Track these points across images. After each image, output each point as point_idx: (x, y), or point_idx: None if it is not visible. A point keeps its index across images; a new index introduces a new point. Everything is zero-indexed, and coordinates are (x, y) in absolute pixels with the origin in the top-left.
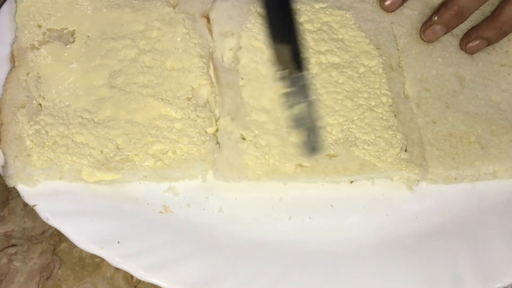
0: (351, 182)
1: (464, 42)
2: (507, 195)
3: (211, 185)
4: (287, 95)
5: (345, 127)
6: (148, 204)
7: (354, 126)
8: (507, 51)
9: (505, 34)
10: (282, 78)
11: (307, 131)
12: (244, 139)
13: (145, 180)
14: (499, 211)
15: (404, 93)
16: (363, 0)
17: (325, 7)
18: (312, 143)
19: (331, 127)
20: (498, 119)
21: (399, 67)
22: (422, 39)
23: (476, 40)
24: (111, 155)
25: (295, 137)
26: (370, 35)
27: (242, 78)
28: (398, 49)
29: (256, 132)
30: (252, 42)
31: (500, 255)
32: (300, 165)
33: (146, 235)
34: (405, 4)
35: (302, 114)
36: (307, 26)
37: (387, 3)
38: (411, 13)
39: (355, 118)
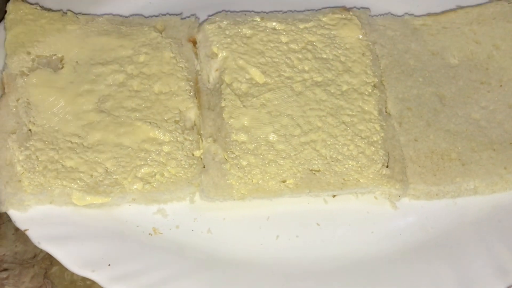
0: (334, 196)
1: None
2: (488, 211)
3: (200, 206)
4: None
5: (328, 143)
6: (137, 226)
7: (337, 142)
8: (487, 69)
9: None
10: None
11: None
12: (226, 159)
13: (134, 203)
14: (480, 227)
15: (386, 111)
16: None
17: (310, 27)
18: None
19: (315, 143)
20: (478, 136)
21: (382, 85)
22: None
23: None
24: (101, 179)
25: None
26: None
27: (224, 99)
28: (380, 68)
29: (237, 153)
30: (237, 62)
31: (481, 270)
32: (284, 182)
33: (136, 257)
34: (387, 25)
35: None
36: (291, 45)
37: None
38: (392, 34)
39: (338, 134)
